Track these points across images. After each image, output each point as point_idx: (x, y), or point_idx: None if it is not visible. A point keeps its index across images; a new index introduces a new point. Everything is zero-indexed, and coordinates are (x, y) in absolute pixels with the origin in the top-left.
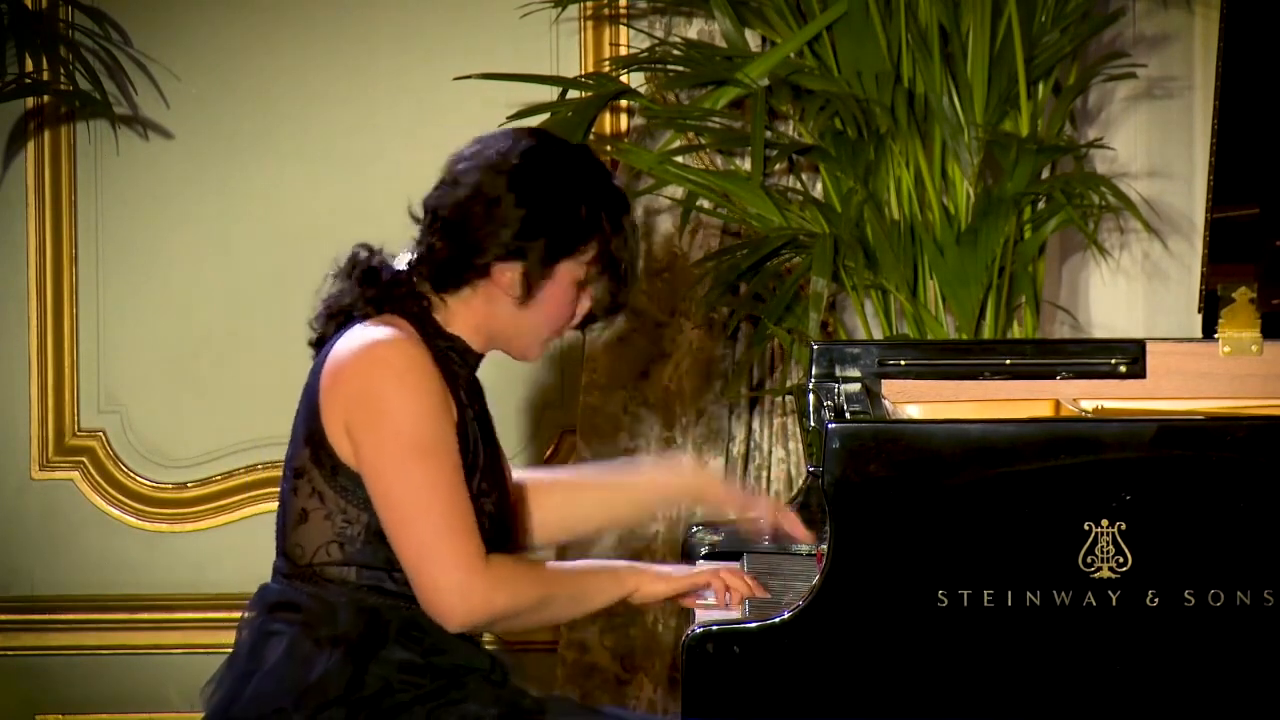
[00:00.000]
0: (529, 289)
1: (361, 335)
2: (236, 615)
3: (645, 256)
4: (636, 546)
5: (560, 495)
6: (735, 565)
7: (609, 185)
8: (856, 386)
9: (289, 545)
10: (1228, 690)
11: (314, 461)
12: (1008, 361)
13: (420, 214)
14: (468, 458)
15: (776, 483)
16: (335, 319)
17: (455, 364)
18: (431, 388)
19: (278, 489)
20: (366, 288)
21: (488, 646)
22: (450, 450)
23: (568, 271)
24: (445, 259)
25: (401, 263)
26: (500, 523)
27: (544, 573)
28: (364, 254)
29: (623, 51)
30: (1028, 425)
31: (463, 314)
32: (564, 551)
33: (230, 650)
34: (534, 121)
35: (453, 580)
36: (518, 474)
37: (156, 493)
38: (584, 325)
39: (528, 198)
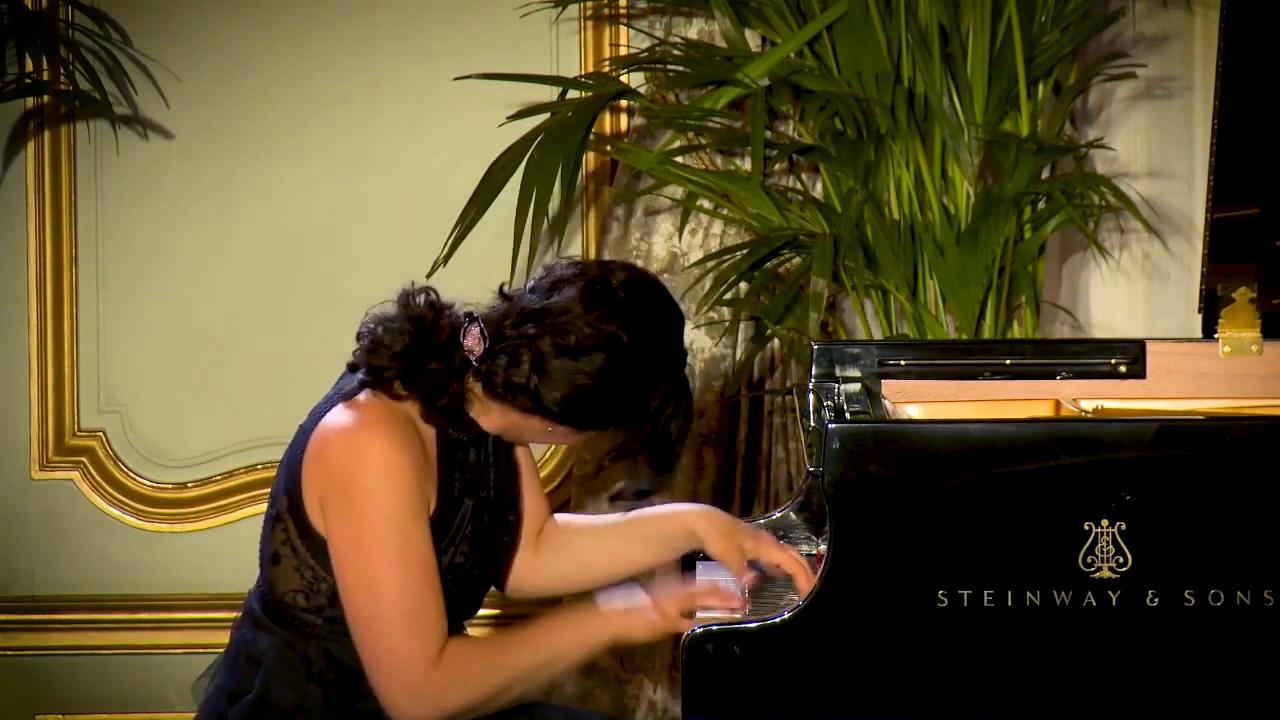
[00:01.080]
0: (565, 435)
1: (355, 414)
2: (236, 615)
3: (645, 256)
4: None
5: (577, 542)
6: (719, 578)
7: (681, 371)
8: (856, 386)
9: (269, 571)
10: (1228, 690)
11: (290, 513)
12: (1008, 361)
13: (506, 290)
14: (447, 534)
15: (776, 483)
16: (370, 374)
17: (453, 431)
18: (408, 488)
19: None
20: (414, 352)
21: None
22: (419, 554)
23: (604, 433)
24: (513, 385)
25: (472, 349)
26: (472, 582)
27: (501, 657)
28: (432, 307)
29: (623, 51)
30: (1028, 425)
31: (493, 413)
32: None
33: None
34: (534, 121)
35: (403, 687)
36: (564, 518)
37: (156, 493)
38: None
39: (614, 384)
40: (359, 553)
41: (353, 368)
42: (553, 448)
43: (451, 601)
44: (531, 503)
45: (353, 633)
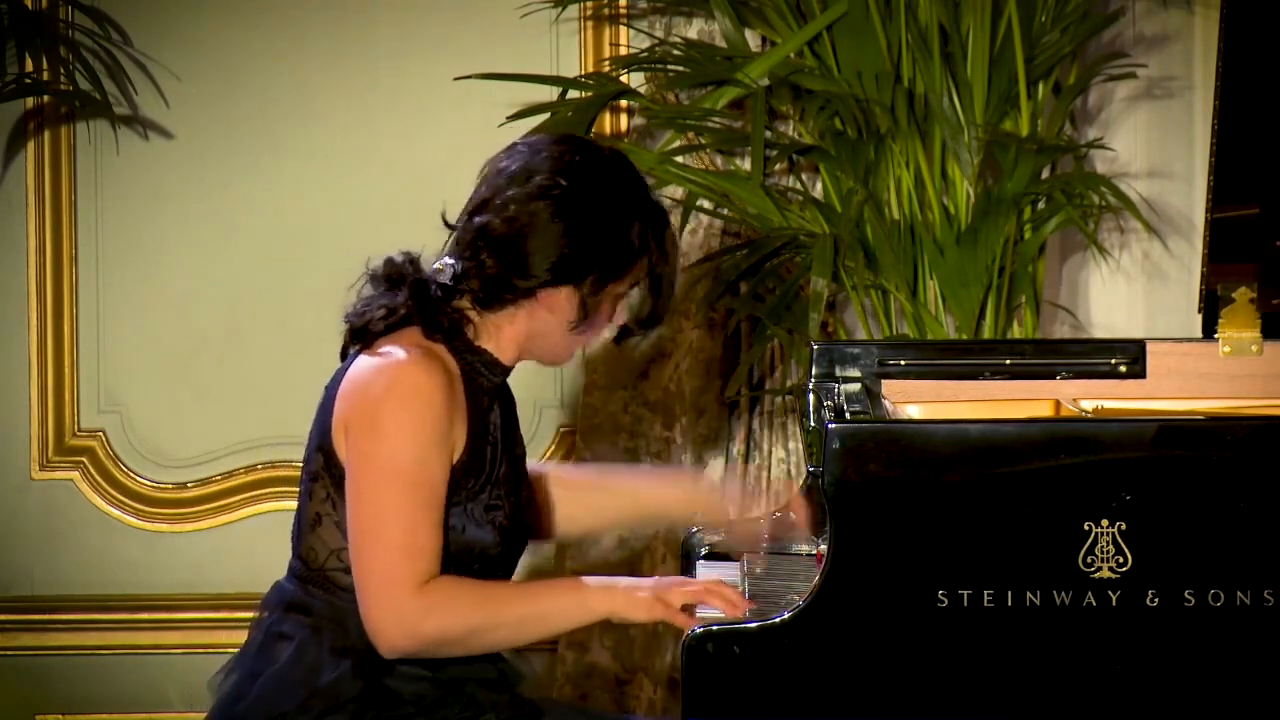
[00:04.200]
0: (585, 313)
1: (385, 351)
2: (236, 615)
3: None
4: (637, 547)
5: (584, 493)
6: (720, 577)
7: (650, 201)
8: (856, 386)
9: (304, 548)
10: (1228, 690)
11: (325, 468)
12: (1008, 361)
13: (453, 220)
14: (482, 474)
15: (776, 483)
16: (375, 327)
17: (482, 376)
18: (432, 419)
19: (278, 489)
20: (413, 300)
21: None
22: (429, 483)
23: (614, 289)
24: (493, 278)
25: (443, 275)
26: (512, 533)
27: (490, 597)
28: (408, 264)
29: (623, 51)
30: (1028, 425)
31: (503, 329)
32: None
33: (240, 646)
34: (534, 121)
35: (380, 606)
36: (542, 467)
37: (156, 493)
38: (621, 338)
39: (579, 225)
40: (372, 468)
41: (353, 337)
42: (556, 440)
43: (490, 555)
44: None
45: (350, 553)
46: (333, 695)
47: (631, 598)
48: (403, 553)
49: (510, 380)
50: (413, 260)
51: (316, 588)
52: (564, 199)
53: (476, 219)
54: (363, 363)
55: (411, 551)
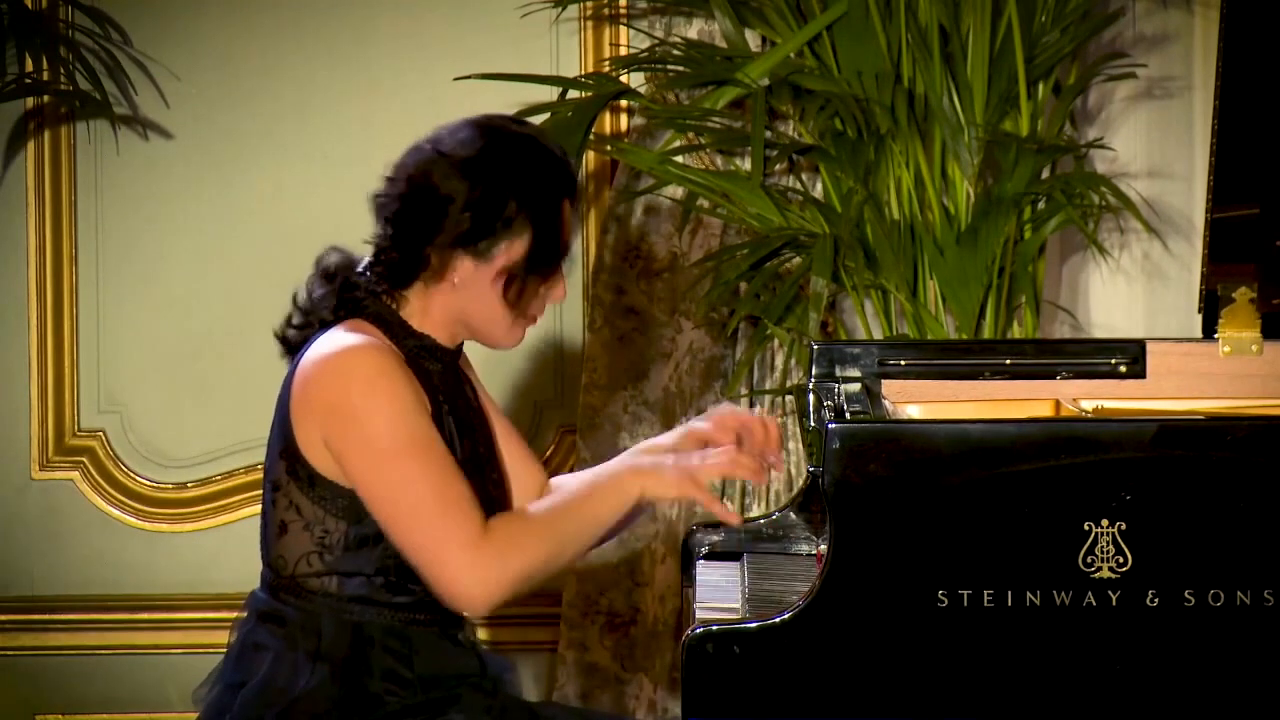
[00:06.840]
0: (505, 290)
1: (327, 344)
2: (236, 615)
3: (645, 256)
4: (637, 547)
5: None
6: (720, 578)
7: (543, 165)
8: (856, 386)
9: (272, 557)
10: (1228, 690)
11: (289, 474)
12: (1008, 361)
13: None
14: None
15: (776, 483)
16: (306, 326)
17: (426, 361)
18: (400, 388)
19: None
20: (341, 292)
21: (483, 644)
22: (431, 439)
23: (504, 255)
24: (391, 256)
25: (362, 264)
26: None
27: (545, 518)
28: (336, 257)
29: (623, 51)
30: (1028, 425)
31: (431, 311)
32: None
33: (225, 651)
34: (534, 122)
35: (455, 573)
36: (558, 479)
37: (156, 493)
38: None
39: (455, 182)
40: (377, 456)
41: (291, 348)
42: (556, 440)
43: None
44: (525, 469)
45: (398, 543)
46: (311, 706)
47: (660, 478)
48: (445, 514)
49: (510, 381)
50: (342, 252)
51: (289, 594)
52: (440, 162)
53: (375, 198)
54: (308, 364)
55: (452, 509)
